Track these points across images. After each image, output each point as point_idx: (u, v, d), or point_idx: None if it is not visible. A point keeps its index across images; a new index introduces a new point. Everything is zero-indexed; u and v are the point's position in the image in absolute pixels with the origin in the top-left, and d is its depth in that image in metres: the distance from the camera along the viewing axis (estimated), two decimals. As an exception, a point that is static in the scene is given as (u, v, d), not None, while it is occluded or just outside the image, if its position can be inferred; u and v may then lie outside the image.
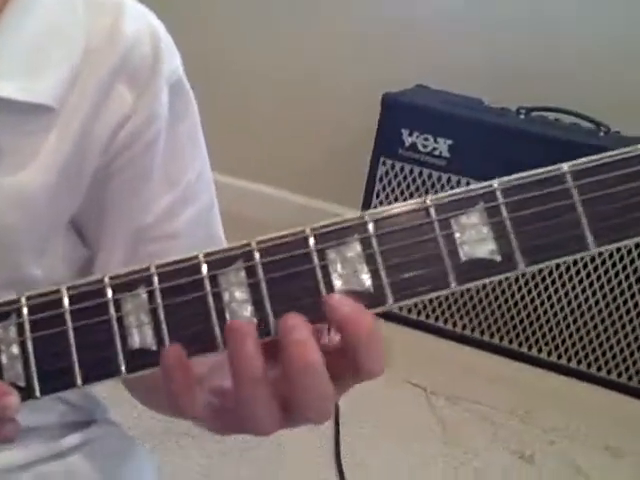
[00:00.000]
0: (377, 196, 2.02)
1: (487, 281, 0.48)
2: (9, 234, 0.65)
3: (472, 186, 0.49)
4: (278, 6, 2.44)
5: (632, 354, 2.03)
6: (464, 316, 2.12)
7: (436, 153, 1.97)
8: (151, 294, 0.49)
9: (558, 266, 2.00)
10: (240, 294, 0.48)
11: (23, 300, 0.49)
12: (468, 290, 2.09)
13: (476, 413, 1.88)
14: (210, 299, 0.48)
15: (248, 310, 0.48)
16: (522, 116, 2.02)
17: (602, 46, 2.17)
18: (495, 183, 0.48)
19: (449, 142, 1.96)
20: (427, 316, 2.15)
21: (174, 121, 0.70)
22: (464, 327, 2.13)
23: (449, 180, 1.99)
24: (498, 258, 0.48)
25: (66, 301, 0.49)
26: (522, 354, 2.10)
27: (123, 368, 0.48)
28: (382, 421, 1.75)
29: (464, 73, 2.25)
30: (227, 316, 0.48)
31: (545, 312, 2.06)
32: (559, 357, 2.08)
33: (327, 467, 1.65)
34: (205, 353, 0.48)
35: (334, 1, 2.42)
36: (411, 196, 2.01)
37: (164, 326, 0.48)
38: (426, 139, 1.97)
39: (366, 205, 2.00)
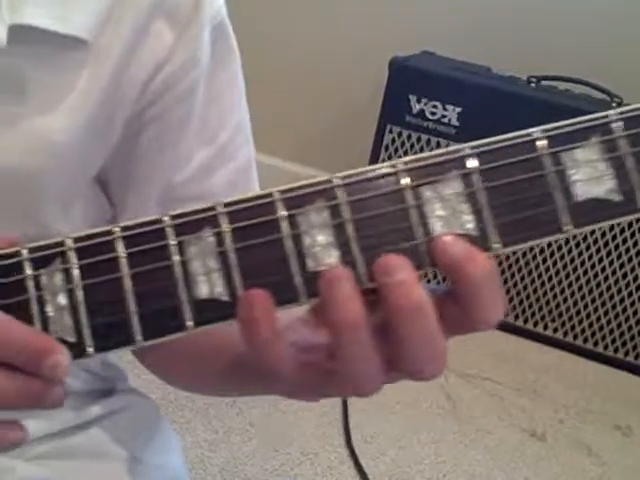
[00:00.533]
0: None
1: (606, 224, 0.43)
2: (35, 181, 0.58)
3: (586, 117, 0.43)
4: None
5: (640, 333, 1.99)
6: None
7: (445, 121, 1.91)
8: (219, 236, 0.42)
9: (567, 241, 1.95)
10: (323, 237, 0.42)
11: (69, 242, 0.43)
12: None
13: (485, 390, 1.83)
14: (289, 242, 0.42)
15: (333, 255, 0.42)
16: (533, 85, 1.96)
17: (617, 17, 2.11)
18: (613, 113, 0.43)
19: (458, 110, 1.89)
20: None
21: (215, 67, 0.64)
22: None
23: (458, 149, 1.92)
24: (618, 198, 0.42)
25: (120, 244, 0.43)
26: (529, 331, 2.05)
27: (190, 321, 0.42)
28: (390, 397, 1.70)
29: (471, 40, 2.18)
30: (308, 262, 0.42)
31: (552, 288, 2.02)
32: (565, 334, 2.04)
33: (338, 444, 1.59)
34: (284, 305, 0.42)
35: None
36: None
37: (236, 273, 0.42)
38: (435, 106, 1.90)
39: (371, 175, 1.92)
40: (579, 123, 0.43)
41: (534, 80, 1.97)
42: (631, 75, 2.06)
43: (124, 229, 0.43)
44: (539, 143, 0.42)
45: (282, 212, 0.42)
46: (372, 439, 1.62)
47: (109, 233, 0.43)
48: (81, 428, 0.69)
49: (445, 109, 1.90)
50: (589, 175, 0.42)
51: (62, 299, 0.42)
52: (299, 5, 2.36)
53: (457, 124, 1.90)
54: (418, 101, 1.91)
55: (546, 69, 2.01)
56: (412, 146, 1.95)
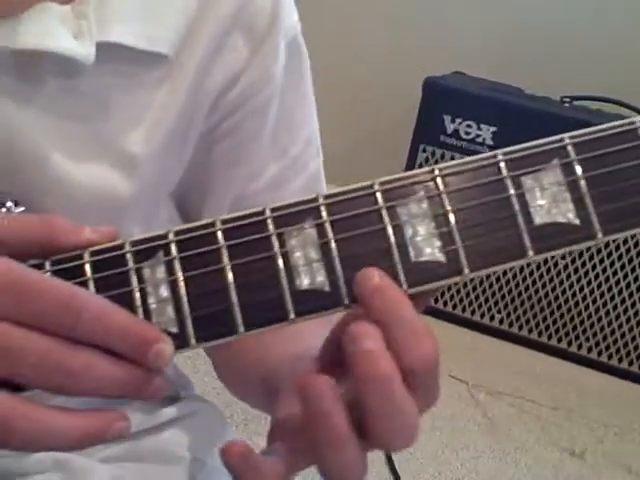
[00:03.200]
0: (416, 185, 1.95)
1: None
2: (118, 196, 0.59)
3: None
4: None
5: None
6: (502, 310, 2.06)
7: (479, 140, 1.91)
8: (320, 227, 0.42)
9: (602, 260, 1.94)
10: (424, 227, 0.42)
11: (171, 236, 0.43)
12: (507, 284, 2.03)
13: (522, 408, 1.82)
14: (390, 232, 0.42)
15: (435, 245, 0.42)
16: (566, 104, 1.96)
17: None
18: None
19: (493, 129, 1.90)
20: (463, 310, 2.09)
21: (289, 82, 0.65)
22: (501, 322, 2.07)
23: (492, 168, 1.92)
24: None
25: (221, 235, 0.43)
26: (560, 350, 2.04)
27: (291, 312, 0.42)
28: (428, 413, 1.68)
29: (502, 61, 2.19)
30: (411, 252, 0.42)
31: (587, 308, 2.01)
32: (599, 353, 2.03)
33: (378, 462, 1.58)
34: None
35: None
36: (452, 185, 1.94)
37: (337, 263, 0.42)
38: (469, 126, 1.91)
39: (404, 194, 1.91)
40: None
41: (567, 100, 1.97)
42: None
43: (225, 222, 0.43)
44: None
45: (381, 202, 0.42)
46: (412, 456, 1.62)
47: (210, 226, 0.43)
48: (152, 431, 0.69)
49: (479, 129, 1.90)
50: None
51: (164, 291, 0.42)
52: (334, 27, 2.38)
53: (491, 143, 1.90)
54: (452, 121, 1.91)
55: (577, 89, 2.02)
56: (446, 166, 1.95)
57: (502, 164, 0.43)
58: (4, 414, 0.38)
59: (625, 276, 1.95)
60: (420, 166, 1.98)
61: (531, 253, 0.42)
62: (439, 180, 0.43)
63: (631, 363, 2.02)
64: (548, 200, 0.42)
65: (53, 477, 0.61)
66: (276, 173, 0.66)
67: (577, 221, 0.42)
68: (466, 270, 0.41)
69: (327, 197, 0.43)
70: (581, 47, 2.18)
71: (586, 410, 1.87)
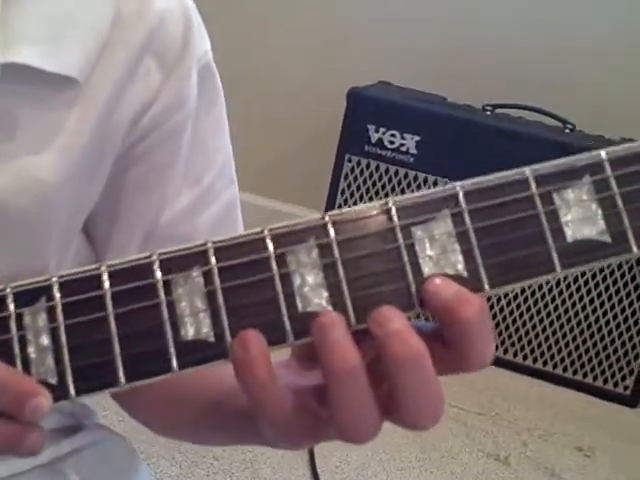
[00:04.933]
0: (342, 194, 1.95)
1: (597, 265, 0.42)
2: (25, 221, 0.57)
3: (576, 156, 0.43)
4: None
5: (597, 354, 2.01)
6: (431, 319, 2.07)
7: (403, 149, 1.92)
8: (207, 275, 0.41)
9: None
10: (312, 277, 0.41)
11: (54, 280, 0.42)
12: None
13: (446, 415, 1.83)
14: (277, 282, 0.41)
15: (323, 296, 0.41)
16: (488, 113, 1.98)
17: (569, 45, 2.15)
18: (603, 153, 0.43)
19: (416, 138, 1.91)
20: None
21: (201, 109, 0.64)
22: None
23: (416, 177, 1.93)
24: (608, 239, 0.42)
25: (106, 282, 0.41)
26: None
27: (174, 363, 0.41)
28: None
29: (426, 70, 2.20)
30: (298, 303, 0.41)
31: (511, 313, 2.03)
32: (525, 358, 2.06)
33: (304, 474, 1.58)
34: (272, 346, 0.41)
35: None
36: (377, 194, 1.95)
37: (223, 314, 0.41)
38: (393, 135, 1.92)
39: (330, 203, 1.93)
40: (572, 163, 0.43)
41: (489, 108, 1.99)
42: (583, 102, 2.09)
43: (111, 267, 0.42)
44: (531, 182, 0.42)
45: (272, 251, 0.41)
46: (337, 469, 1.62)
47: (95, 271, 0.42)
48: (47, 467, 0.67)
49: (403, 138, 1.91)
50: (580, 215, 0.42)
51: (45, 339, 0.41)
52: (255, 37, 2.36)
53: (415, 152, 1.91)
54: (376, 130, 1.92)
55: (500, 98, 2.04)
56: (371, 175, 1.96)
57: (393, 212, 0.42)
58: None
59: (547, 281, 1.98)
60: (346, 176, 1.98)
61: (418, 307, 0.41)
62: (330, 228, 0.42)
63: (555, 366, 2.05)
64: (437, 251, 0.42)
65: None
66: (189, 203, 0.65)
67: (465, 273, 0.41)
68: (353, 321, 0.41)
69: (216, 243, 0.42)
70: (502, 55, 2.20)
71: (511, 415, 1.89)
